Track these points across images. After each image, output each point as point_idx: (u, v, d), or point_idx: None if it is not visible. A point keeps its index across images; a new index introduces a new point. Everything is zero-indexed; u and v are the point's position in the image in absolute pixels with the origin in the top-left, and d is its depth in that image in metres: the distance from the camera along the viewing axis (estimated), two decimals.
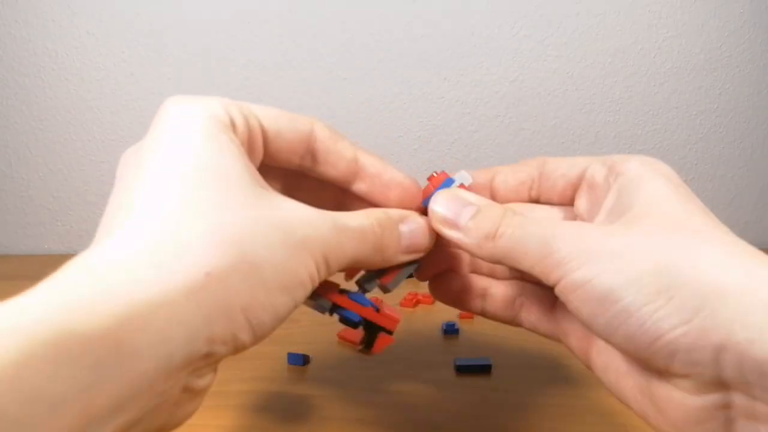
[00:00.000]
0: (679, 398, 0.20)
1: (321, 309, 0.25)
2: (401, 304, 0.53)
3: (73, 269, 0.16)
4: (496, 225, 0.23)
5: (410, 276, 0.28)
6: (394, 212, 0.25)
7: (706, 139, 0.73)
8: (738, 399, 0.18)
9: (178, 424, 0.19)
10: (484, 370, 0.39)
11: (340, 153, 0.25)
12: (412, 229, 0.25)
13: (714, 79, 0.72)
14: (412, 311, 0.52)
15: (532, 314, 0.28)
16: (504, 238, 0.23)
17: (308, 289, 0.20)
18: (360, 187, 0.26)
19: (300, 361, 0.41)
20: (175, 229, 0.18)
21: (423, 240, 0.26)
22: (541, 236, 0.22)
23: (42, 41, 0.69)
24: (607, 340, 0.21)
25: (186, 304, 0.17)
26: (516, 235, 0.23)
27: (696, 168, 0.74)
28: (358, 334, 0.45)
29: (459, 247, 0.25)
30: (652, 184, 0.23)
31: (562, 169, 0.27)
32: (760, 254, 0.20)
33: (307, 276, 0.20)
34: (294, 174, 0.26)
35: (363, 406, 0.36)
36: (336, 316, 0.26)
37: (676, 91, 0.72)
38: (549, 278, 0.22)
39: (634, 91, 0.72)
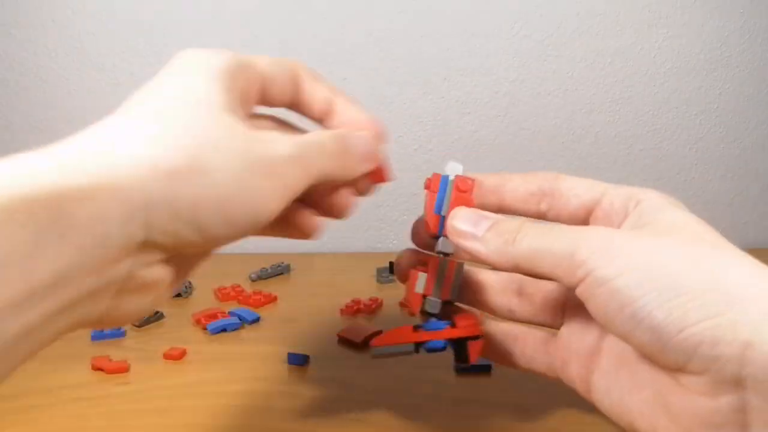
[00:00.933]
0: (694, 402, 0.20)
1: (407, 353, 0.26)
2: (400, 304, 0.53)
3: (40, 151, 0.18)
4: (515, 231, 0.24)
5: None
6: (341, 129, 0.27)
7: (706, 139, 0.73)
8: (755, 401, 0.18)
9: (123, 318, 0.20)
10: (484, 370, 0.39)
11: (315, 94, 0.27)
12: (359, 138, 0.26)
13: (714, 79, 0.72)
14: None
15: (527, 349, 0.28)
16: (525, 240, 0.23)
17: (272, 206, 0.21)
18: (332, 124, 0.28)
19: (300, 361, 0.41)
20: (139, 127, 0.20)
21: (371, 146, 0.27)
22: (566, 236, 0.23)
23: (42, 41, 0.69)
24: (626, 338, 0.21)
25: (129, 189, 0.18)
26: (538, 237, 0.23)
27: (696, 168, 0.74)
28: (358, 334, 0.46)
29: (478, 258, 0.25)
30: (674, 211, 0.24)
31: (579, 189, 0.27)
32: None
33: (269, 192, 0.21)
34: (284, 125, 0.28)
35: (363, 406, 0.36)
36: (423, 350, 0.27)
37: (676, 91, 0.72)
38: (573, 276, 0.22)
39: (634, 91, 0.72)
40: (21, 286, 0.15)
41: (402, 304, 0.53)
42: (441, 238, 0.27)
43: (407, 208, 0.73)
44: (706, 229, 0.23)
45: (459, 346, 0.27)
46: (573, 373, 0.26)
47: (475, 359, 0.27)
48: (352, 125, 0.27)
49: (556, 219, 0.28)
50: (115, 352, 0.43)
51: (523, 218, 0.25)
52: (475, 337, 0.27)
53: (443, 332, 0.27)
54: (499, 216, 0.26)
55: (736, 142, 0.74)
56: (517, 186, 0.28)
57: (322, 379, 0.39)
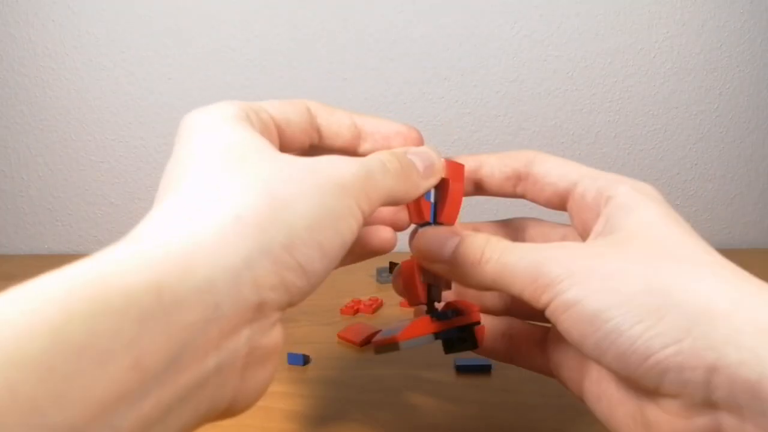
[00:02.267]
0: (670, 422, 0.20)
1: (428, 342, 0.27)
2: (401, 305, 0.53)
3: (124, 243, 0.17)
4: (480, 250, 0.24)
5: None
6: (397, 149, 0.26)
7: (706, 139, 0.73)
8: (727, 421, 0.18)
9: (253, 397, 0.19)
10: (484, 370, 0.39)
11: (339, 121, 0.26)
12: (419, 154, 0.25)
13: (714, 79, 0.72)
14: (411, 311, 0.52)
15: (523, 348, 0.28)
16: (491, 262, 0.23)
17: (353, 226, 0.20)
18: (366, 147, 0.27)
19: (300, 361, 0.41)
20: (208, 189, 0.18)
21: (433, 160, 0.26)
22: (530, 259, 0.22)
23: (42, 41, 0.69)
24: (598, 361, 0.21)
25: (222, 248, 0.17)
26: (503, 259, 0.23)
27: (696, 168, 0.74)
28: (358, 334, 0.46)
29: (449, 279, 0.25)
30: (643, 210, 0.23)
31: (552, 177, 0.27)
32: (750, 277, 0.20)
33: (347, 211, 0.20)
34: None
35: (363, 406, 0.36)
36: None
37: (676, 91, 0.72)
38: (539, 300, 0.22)
39: (634, 91, 0.72)
40: (130, 375, 0.14)
41: (403, 305, 0.53)
42: (433, 226, 0.27)
43: None
44: (674, 232, 0.22)
45: (467, 332, 0.27)
46: (565, 376, 0.26)
47: (483, 342, 0.27)
48: (388, 140, 0.27)
49: (534, 202, 0.28)
50: None
51: (488, 235, 0.25)
52: (477, 323, 0.27)
53: (457, 320, 0.27)
54: (465, 232, 0.25)
55: (736, 142, 0.74)
56: (492, 170, 0.28)
57: (322, 379, 0.39)
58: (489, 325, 0.29)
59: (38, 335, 0.13)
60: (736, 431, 0.18)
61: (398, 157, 0.24)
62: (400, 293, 0.29)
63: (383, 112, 0.72)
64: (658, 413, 0.20)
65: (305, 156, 0.26)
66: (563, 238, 0.28)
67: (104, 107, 0.71)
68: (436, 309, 0.27)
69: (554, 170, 0.27)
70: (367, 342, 0.44)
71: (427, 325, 0.26)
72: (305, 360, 0.41)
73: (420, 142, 0.28)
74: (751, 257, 0.71)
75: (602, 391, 0.24)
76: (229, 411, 0.18)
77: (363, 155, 0.26)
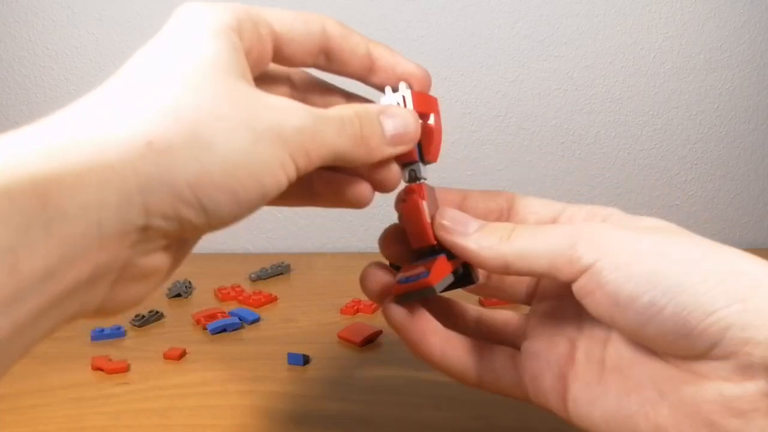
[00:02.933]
0: (715, 390, 0.19)
1: (451, 285, 0.25)
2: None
3: (24, 130, 0.17)
4: (510, 230, 0.23)
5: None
6: (373, 105, 0.25)
7: (706, 139, 0.73)
8: None
9: (120, 307, 0.19)
10: None
11: (352, 49, 0.25)
12: (394, 117, 0.24)
13: (714, 79, 0.72)
14: None
15: (495, 365, 0.26)
16: (521, 238, 0.22)
17: (281, 180, 0.19)
18: (374, 81, 0.26)
19: (300, 361, 0.41)
20: (131, 99, 0.18)
21: (408, 129, 0.24)
22: (563, 231, 0.22)
23: (42, 41, 0.69)
24: (640, 328, 0.20)
25: (121, 170, 0.16)
26: (533, 234, 0.22)
27: (696, 168, 0.74)
28: (358, 334, 0.46)
29: (468, 256, 0.24)
30: (649, 219, 0.23)
31: (535, 206, 0.26)
32: None
33: (277, 164, 0.19)
34: (303, 87, 0.26)
35: (363, 406, 0.36)
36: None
37: (676, 91, 0.72)
38: (575, 266, 0.21)
39: (634, 91, 0.72)
40: (8, 283, 0.14)
41: None
42: (419, 164, 0.26)
43: None
44: (690, 233, 0.22)
45: (466, 269, 0.26)
46: (546, 388, 0.24)
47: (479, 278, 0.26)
48: (399, 77, 0.25)
49: None
50: (115, 352, 0.43)
51: (512, 223, 0.24)
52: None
53: (459, 258, 0.25)
54: (486, 221, 0.25)
55: (736, 142, 0.74)
56: (476, 203, 0.27)
57: (322, 379, 0.39)
58: (457, 343, 0.26)
59: None
60: None
61: (363, 119, 0.23)
62: (388, 253, 0.27)
63: None
64: (696, 384, 0.19)
65: (294, 88, 0.26)
66: (553, 220, 0.26)
67: None
68: (443, 249, 0.25)
69: (537, 202, 0.27)
70: (367, 342, 0.44)
71: (447, 264, 0.25)
72: (305, 360, 0.41)
73: (428, 87, 0.26)
74: None
75: (600, 392, 0.22)
76: (94, 314, 0.18)
77: (372, 86, 0.26)
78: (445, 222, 0.25)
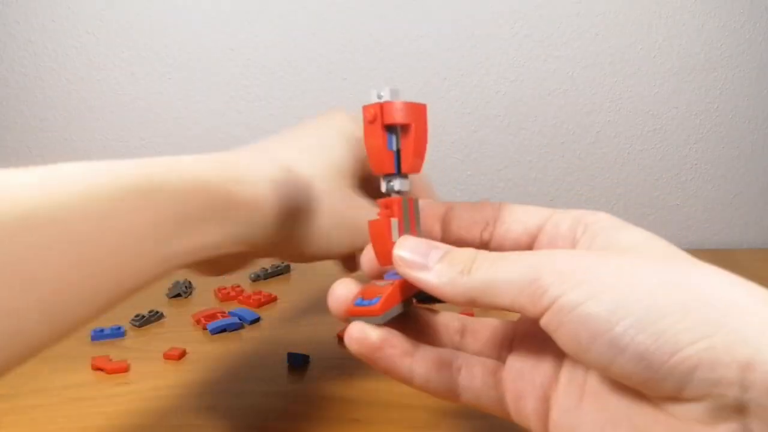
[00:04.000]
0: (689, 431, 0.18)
1: (406, 309, 0.25)
2: None
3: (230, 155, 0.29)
4: (470, 260, 0.22)
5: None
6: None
7: (706, 139, 0.73)
8: (758, 428, 0.17)
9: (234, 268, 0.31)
10: None
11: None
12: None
13: (714, 79, 0.72)
14: None
15: (475, 381, 0.25)
16: (481, 270, 0.21)
17: (341, 254, 0.33)
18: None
19: (300, 361, 0.41)
20: (296, 158, 0.32)
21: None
22: (525, 262, 0.21)
23: (42, 41, 0.69)
24: (607, 366, 0.19)
25: (260, 209, 0.28)
26: (495, 265, 0.21)
27: (696, 168, 0.74)
28: None
29: (429, 290, 0.23)
30: (631, 229, 0.22)
31: (519, 214, 0.25)
32: (753, 284, 0.19)
33: (346, 244, 0.32)
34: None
35: (363, 406, 0.36)
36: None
37: (676, 91, 0.72)
38: (537, 305, 0.20)
39: (634, 91, 0.72)
40: (159, 258, 0.24)
41: None
42: (398, 178, 0.25)
43: None
44: (668, 244, 0.21)
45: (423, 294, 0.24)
46: (528, 410, 0.23)
47: None
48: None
49: (499, 248, 0.26)
50: (115, 352, 0.43)
51: (475, 249, 0.23)
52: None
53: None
54: (450, 246, 0.23)
55: (736, 142, 0.74)
56: (461, 213, 0.26)
57: (322, 379, 0.39)
58: (429, 362, 0.25)
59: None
60: None
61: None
62: (367, 268, 0.27)
63: None
64: (669, 425, 0.18)
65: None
66: (539, 228, 0.25)
67: (104, 107, 0.71)
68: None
69: (524, 210, 0.26)
70: None
71: (403, 290, 0.24)
72: (305, 360, 0.41)
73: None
74: (751, 257, 0.71)
75: (578, 419, 0.21)
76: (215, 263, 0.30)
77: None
78: (403, 254, 0.23)
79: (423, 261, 0.23)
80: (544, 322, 0.20)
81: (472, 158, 0.73)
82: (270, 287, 0.57)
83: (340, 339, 0.45)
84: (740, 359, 0.16)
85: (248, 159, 0.29)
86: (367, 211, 0.30)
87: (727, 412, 0.17)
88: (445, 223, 0.27)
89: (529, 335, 0.25)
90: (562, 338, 0.19)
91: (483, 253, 0.22)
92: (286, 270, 0.63)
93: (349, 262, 0.36)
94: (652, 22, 0.70)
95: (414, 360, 0.24)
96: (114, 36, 0.69)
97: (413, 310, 0.26)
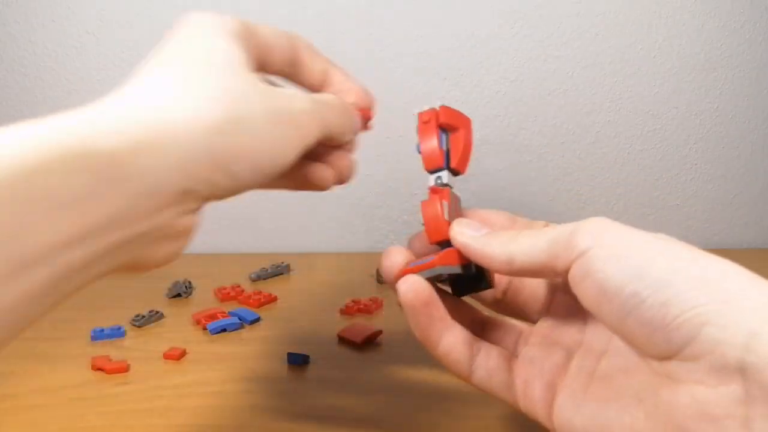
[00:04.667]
0: (689, 394, 0.19)
1: (455, 274, 0.27)
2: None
3: (110, 95, 0.21)
4: (514, 234, 0.25)
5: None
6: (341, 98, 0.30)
7: (706, 139, 0.73)
8: (757, 393, 0.17)
9: (156, 262, 0.22)
10: None
11: (312, 64, 0.30)
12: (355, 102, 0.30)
13: (714, 79, 0.72)
14: None
15: (489, 362, 0.26)
16: (526, 237, 0.24)
17: (290, 158, 0.24)
18: (327, 92, 0.30)
19: (300, 361, 0.41)
20: (175, 85, 0.22)
21: (356, 120, 0.30)
22: (563, 227, 0.23)
23: (42, 41, 0.69)
24: (623, 319, 0.20)
25: (178, 143, 0.20)
26: (538, 233, 0.24)
27: (696, 168, 0.74)
28: (358, 334, 0.46)
29: (477, 253, 0.25)
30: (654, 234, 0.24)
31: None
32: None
33: (290, 143, 0.24)
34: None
35: (363, 406, 0.36)
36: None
37: (676, 91, 0.72)
38: (571, 252, 0.21)
39: (634, 91, 0.72)
40: (77, 226, 0.17)
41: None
42: (445, 171, 0.29)
43: (407, 208, 0.73)
44: (687, 244, 0.23)
45: (481, 273, 0.27)
46: (535, 395, 0.25)
47: (494, 284, 0.28)
48: (346, 94, 0.30)
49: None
50: (115, 352, 0.43)
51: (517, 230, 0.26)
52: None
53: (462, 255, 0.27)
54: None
55: (736, 142, 0.74)
56: (500, 220, 0.30)
57: (322, 379, 0.39)
58: (458, 333, 0.27)
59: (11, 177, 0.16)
60: (763, 405, 0.17)
61: (341, 100, 0.29)
62: (414, 248, 0.29)
63: (383, 112, 0.71)
64: (672, 387, 0.19)
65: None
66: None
67: None
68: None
69: None
70: (367, 342, 0.44)
71: (457, 256, 0.26)
72: (305, 360, 0.41)
73: (370, 103, 0.32)
74: (751, 257, 0.71)
75: (583, 400, 0.22)
76: (133, 268, 0.21)
77: None
78: (458, 225, 0.27)
79: (476, 233, 0.26)
80: (573, 272, 0.22)
81: (472, 158, 0.73)
82: (270, 287, 0.57)
83: (341, 339, 0.45)
84: (748, 326, 0.18)
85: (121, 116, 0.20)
86: (294, 97, 0.25)
87: (728, 373, 0.18)
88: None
89: (544, 333, 0.27)
90: (587, 288, 0.21)
91: (526, 231, 0.25)
92: (286, 270, 0.63)
93: (301, 176, 0.29)
94: (652, 22, 0.70)
95: (446, 328, 0.26)
96: (114, 36, 0.69)
97: (446, 293, 0.29)
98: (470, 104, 0.72)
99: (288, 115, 0.24)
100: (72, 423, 0.34)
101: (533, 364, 0.26)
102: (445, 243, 0.27)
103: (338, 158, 0.30)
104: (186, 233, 0.22)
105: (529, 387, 0.25)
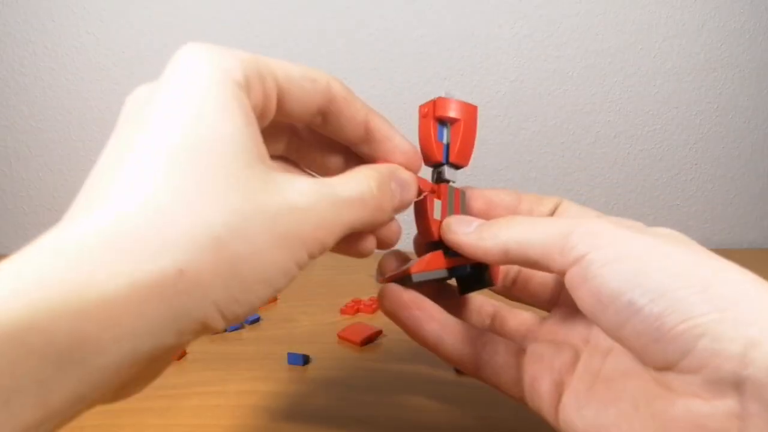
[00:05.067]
0: (685, 407, 0.18)
1: (443, 278, 0.26)
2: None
3: (45, 249, 0.16)
4: (507, 221, 0.24)
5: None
6: (384, 168, 0.24)
7: (706, 139, 0.73)
8: (754, 408, 0.17)
9: (131, 393, 0.19)
10: None
11: (352, 116, 0.24)
12: (401, 184, 0.25)
13: (714, 79, 0.72)
14: None
15: (498, 357, 0.26)
16: (519, 226, 0.23)
17: (293, 276, 0.19)
18: (365, 150, 0.26)
19: (300, 361, 0.41)
20: (153, 218, 0.16)
21: (410, 193, 0.25)
22: (559, 222, 0.22)
23: (42, 41, 0.69)
24: (619, 327, 0.20)
25: (157, 302, 0.16)
26: (530, 224, 0.23)
27: (696, 168, 0.74)
28: (358, 334, 0.46)
29: (470, 249, 0.24)
30: (663, 229, 0.24)
31: (573, 213, 0.28)
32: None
33: (294, 265, 0.19)
34: (300, 130, 0.26)
35: (363, 406, 0.36)
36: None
37: (676, 91, 0.72)
38: (566, 257, 0.21)
39: (634, 91, 0.72)
40: (37, 413, 0.14)
41: None
42: (445, 166, 0.27)
43: (409, 207, 0.73)
44: (691, 241, 0.22)
45: (479, 271, 0.27)
46: (543, 392, 0.24)
47: (498, 280, 0.27)
48: (391, 156, 0.25)
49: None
50: None
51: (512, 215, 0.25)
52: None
53: (467, 258, 0.26)
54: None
55: (736, 142, 0.74)
56: (531, 206, 0.28)
57: (322, 379, 0.39)
58: (457, 331, 0.27)
59: None
60: (760, 420, 0.17)
61: (383, 188, 0.23)
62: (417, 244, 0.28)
63: (383, 112, 0.71)
64: (668, 399, 0.19)
65: (293, 133, 0.25)
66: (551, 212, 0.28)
67: (104, 107, 0.71)
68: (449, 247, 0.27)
69: (576, 209, 0.28)
70: (367, 342, 0.44)
71: (440, 260, 0.26)
72: (305, 360, 0.41)
73: (417, 167, 0.26)
74: (751, 257, 0.71)
75: (586, 399, 0.22)
76: (103, 403, 0.18)
77: (361, 154, 0.26)
78: (449, 223, 0.26)
79: (466, 227, 0.25)
80: (569, 277, 0.21)
81: (472, 158, 0.73)
82: None
83: (341, 339, 0.45)
84: (747, 336, 0.17)
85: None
86: (302, 204, 0.19)
87: (724, 387, 0.17)
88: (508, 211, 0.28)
89: (553, 329, 0.27)
90: (583, 295, 0.21)
91: (518, 216, 0.24)
92: None
93: (341, 243, 0.24)
94: (652, 22, 0.70)
95: (443, 328, 0.26)
96: (114, 36, 0.69)
97: (450, 289, 0.29)
98: None
99: (295, 238, 0.19)
100: (72, 423, 0.34)
101: (542, 362, 0.25)
102: (438, 243, 0.27)
103: (382, 228, 0.26)
104: (167, 362, 0.20)
105: (537, 383, 0.25)
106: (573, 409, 0.23)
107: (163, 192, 0.17)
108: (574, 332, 0.26)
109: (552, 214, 0.28)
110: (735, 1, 0.69)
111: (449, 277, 0.26)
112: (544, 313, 0.29)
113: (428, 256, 0.26)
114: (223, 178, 0.18)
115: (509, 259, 0.23)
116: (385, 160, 0.25)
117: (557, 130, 0.72)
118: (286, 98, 0.22)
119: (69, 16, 0.69)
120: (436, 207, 0.27)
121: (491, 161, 0.73)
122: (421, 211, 0.27)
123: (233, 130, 0.18)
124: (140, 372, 0.18)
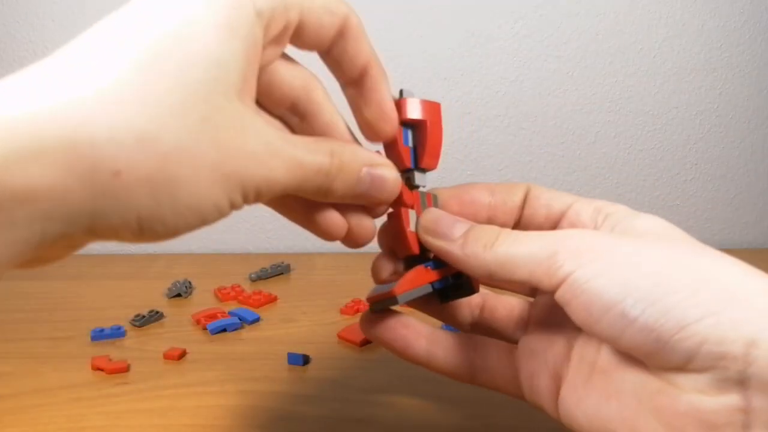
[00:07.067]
0: (690, 402, 0.19)
1: (427, 293, 0.25)
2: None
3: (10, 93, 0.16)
4: (494, 236, 0.23)
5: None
6: (365, 154, 0.23)
7: (706, 139, 0.73)
8: (758, 401, 0.17)
9: (31, 266, 0.19)
10: None
11: (354, 54, 0.24)
12: (375, 179, 0.23)
13: (714, 79, 0.72)
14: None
15: (490, 359, 0.26)
16: (503, 246, 0.22)
17: (224, 213, 0.19)
18: (352, 92, 0.25)
19: (300, 361, 0.41)
20: (113, 108, 0.16)
21: (382, 195, 0.24)
22: (544, 239, 0.22)
23: (42, 41, 0.69)
24: (616, 338, 0.20)
25: (80, 192, 0.16)
26: (515, 243, 0.22)
27: (696, 168, 0.74)
28: (358, 334, 0.46)
29: (451, 261, 0.24)
30: (648, 217, 0.23)
31: (546, 199, 0.26)
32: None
33: (228, 204, 0.19)
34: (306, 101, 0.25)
35: (363, 406, 0.36)
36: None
37: (676, 91, 0.72)
38: (553, 278, 0.21)
39: (634, 91, 0.72)
40: None
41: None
42: (415, 171, 0.26)
43: None
44: (684, 235, 0.22)
45: (461, 280, 0.26)
46: (542, 387, 0.24)
47: (478, 288, 0.26)
48: (368, 108, 0.25)
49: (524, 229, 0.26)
50: (115, 352, 0.43)
51: (498, 227, 0.24)
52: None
53: (452, 267, 0.25)
54: (473, 222, 0.25)
55: (736, 142, 0.74)
56: (481, 195, 0.27)
57: (322, 379, 0.39)
58: (446, 342, 0.26)
59: None
60: (764, 412, 0.17)
61: (346, 168, 0.22)
62: (387, 247, 0.27)
63: None
64: (673, 394, 0.19)
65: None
66: (561, 213, 0.27)
67: None
68: (430, 258, 0.26)
69: (548, 195, 0.27)
70: (367, 342, 0.44)
71: (423, 275, 0.25)
72: (305, 360, 0.41)
73: (391, 130, 0.25)
74: (751, 257, 0.70)
75: (585, 393, 0.22)
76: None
77: (347, 95, 0.25)
78: (429, 224, 0.25)
79: (447, 232, 0.24)
80: (558, 295, 0.21)
81: (472, 158, 0.73)
82: (270, 287, 0.57)
83: (340, 339, 0.45)
84: (745, 336, 0.17)
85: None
86: (261, 153, 0.19)
87: (729, 384, 0.18)
88: (465, 204, 0.27)
89: (543, 317, 0.26)
90: (575, 311, 0.21)
91: (504, 232, 0.23)
92: (286, 270, 0.63)
93: (310, 216, 0.25)
94: (652, 22, 0.70)
95: (431, 342, 0.25)
96: None
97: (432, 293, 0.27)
98: (470, 104, 0.72)
99: (237, 181, 0.19)
100: (72, 423, 0.34)
101: (536, 357, 0.25)
102: (417, 257, 0.25)
103: (355, 216, 0.25)
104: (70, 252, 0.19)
105: (534, 380, 0.25)
106: (573, 403, 0.23)
107: (137, 86, 0.17)
108: (564, 321, 0.25)
109: (523, 201, 0.27)
110: (735, 1, 0.70)
111: (434, 291, 0.25)
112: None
113: (411, 273, 0.25)
114: (189, 96, 0.17)
115: (493, 280, 0.23)
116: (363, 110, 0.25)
117: (557, 130, 0.72)
118: (302, 29, 0.22)
119: (69, 16, 0.69)
120: (412, 218, 0.25)
121: (491, 161, 0.73)
122: (397, 225, 0.25)
123: (228, 58, 0.18)
124: (46, 252, 0.18)
